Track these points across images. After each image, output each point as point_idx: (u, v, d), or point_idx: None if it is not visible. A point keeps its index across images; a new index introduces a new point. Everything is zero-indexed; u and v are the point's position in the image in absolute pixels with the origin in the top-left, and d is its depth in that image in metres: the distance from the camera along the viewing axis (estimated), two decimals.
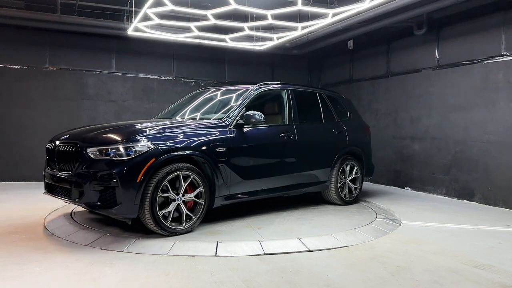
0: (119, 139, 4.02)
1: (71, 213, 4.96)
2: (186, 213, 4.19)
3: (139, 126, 4.47)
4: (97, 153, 3.94)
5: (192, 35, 7.62)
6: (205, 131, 4.48)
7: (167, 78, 9.03)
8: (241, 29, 7.38)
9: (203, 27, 7.38)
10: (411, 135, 7.64)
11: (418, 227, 4.86)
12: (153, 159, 3.93)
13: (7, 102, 7.78)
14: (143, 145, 3.97)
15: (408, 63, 7.73)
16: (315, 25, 7.17)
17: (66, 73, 8.23)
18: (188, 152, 4.24)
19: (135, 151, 3.92)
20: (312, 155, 5.53)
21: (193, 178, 4.23)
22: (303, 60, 10.23)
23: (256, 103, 5.12)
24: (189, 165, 4.23)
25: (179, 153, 4.16)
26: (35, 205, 5.59)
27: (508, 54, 5.98)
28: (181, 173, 4.14)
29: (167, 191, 4.06)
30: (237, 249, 3.79)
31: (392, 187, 7.88)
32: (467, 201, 6.52)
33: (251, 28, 7.34)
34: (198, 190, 4.27)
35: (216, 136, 4.50)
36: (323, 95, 6.13)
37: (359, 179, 6.19)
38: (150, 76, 8.90)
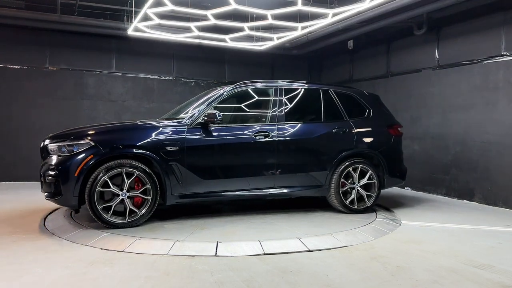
0: (69, 137, 4.45)
1: (71, 213, 4.95)
2: (130, 209, 4.37)
3: (98, 126, 4.84)
4: (53, 149, 4.45)
5: (192, 35, 7.62)
6: (158, 131, 4.60)
7: (167, 78, 9.03)
8: (241, 29, 7.37)
9: (203, 27, 7.38)
10: (411, 135, 7.63)
11: (418, 227, 4.86)
12: (91, 156, 4.26)
13: (7, 102, 7.78)
14: (86, 142, 4.34)
15: (408, 63, 7.73)
16: (315, 25, 7.17)
17: (66, 73, 8.23)
18: (132, 150, 4.42)
19: (78, 148, 4.32)
20: (299, 157, 5.17)
21: (138, 175, 4.38)
22: (303, 60, 10.22)
23: (233, 103, 5.14)
24: (133, 162, 4.38)
25: (120, 151, 4.39)
26: (35, 205, 5.59)
27: (508, 54, 5.98)
28: (123, 169, 4.34)
29: (108, 186, 4.29)
30: (237, 249, 3.79)
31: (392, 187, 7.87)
32: (467, 201, 6.52)
33: (251, 28, 7.34)
34: (144, 187, 4.43)
35: (168, 135, 4.59)
36: (331, 91, 5.57)
37: (374, 186, 5.44)
38: (150, 76, 8.90)
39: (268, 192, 5.05)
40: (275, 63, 10.00)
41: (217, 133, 4.79)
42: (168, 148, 4.51)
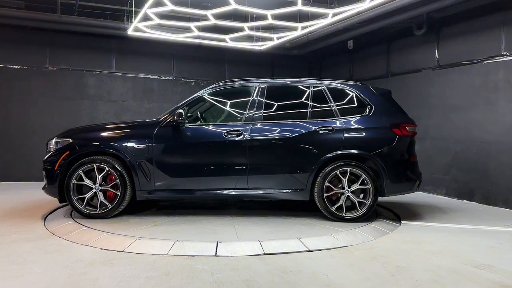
0: (57, 135, 4.97)
1: (71, 213, 4.96)
2: (101, 201, 4.75)
3: (81, 126, 5.40)
4: (48, 146, 4.98)
5: (192, 35, 7.63)
6: (130, 130, 5.01)
7: (167, 78, 9.03)
8: (241, 29, 7.38)
9: (203, 27, 7.38)
10: None
11: (418, 227, 4.86)
12: (67, 152, 4.75)
13: (7, 102, 7.78)
14: (66, 140, 4.87)
15: (408, 63, 7.73)
16: (315, 25, 7.17)
17: (66, 73, 8.23)
18: (100, 147, 4.80)
19: (61, 145, 4.85)
20: (273, 158, 4.90)
21: (108, 171, 4.73)
22: (303, 60, 10.23)
23: (210, 103, 5.28)
24: (104, 159, 4.76)
25: (90, 148, 4.80)
26: (35, 205, 5.59)
27: (508, 54, 5.98)
28: (95, 165, 4.74)
29: (83, 179, 4.72)
30: (237, 249, 3.79)
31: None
32: (467, 201, 6.52)
33: (251, 28, 7.35)
34: (114, 182, 4.76)
35: (138, 134, 4.88)
36: (322, 88, 5.14)
37: (369, 192, 4.83)
38: (150, 76, 8.90)
39: (240, 193, 4.89)
40: (275, 63, 10.00)
41: (186, 133, 4.91)
42: (135, 146, 4.79)
